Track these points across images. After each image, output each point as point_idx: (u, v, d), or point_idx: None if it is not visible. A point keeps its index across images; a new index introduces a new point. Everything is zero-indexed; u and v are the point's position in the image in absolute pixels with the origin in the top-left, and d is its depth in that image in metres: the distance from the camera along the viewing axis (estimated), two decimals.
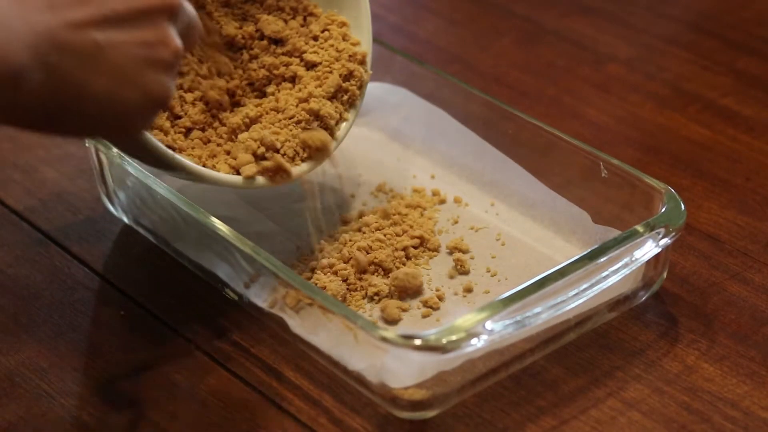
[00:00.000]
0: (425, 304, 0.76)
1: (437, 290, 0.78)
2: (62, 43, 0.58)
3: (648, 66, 1.06)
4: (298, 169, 0.77)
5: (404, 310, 0.76)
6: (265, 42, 0.81)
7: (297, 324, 0.72)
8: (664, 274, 0.78)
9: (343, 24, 0.82)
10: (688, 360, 0.74)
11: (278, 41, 0.82)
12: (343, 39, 0.81)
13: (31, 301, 0.78)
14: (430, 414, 0.69)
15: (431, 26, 1.14)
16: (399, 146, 0.92)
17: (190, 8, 0.65)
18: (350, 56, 0.80)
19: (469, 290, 0.78)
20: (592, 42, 1.10)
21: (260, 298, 0.74)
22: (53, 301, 0.78)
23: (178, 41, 0.63)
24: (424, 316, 0.76)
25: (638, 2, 1.16)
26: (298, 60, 0.81)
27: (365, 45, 0.82)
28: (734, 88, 1.02)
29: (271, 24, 0.81)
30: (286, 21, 0.82)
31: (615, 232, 0.77)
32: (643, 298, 0.77)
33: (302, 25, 0.82)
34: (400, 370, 0.68)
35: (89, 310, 0.77)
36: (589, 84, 1.03)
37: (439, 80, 0.90)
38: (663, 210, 0.75)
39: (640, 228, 0.74)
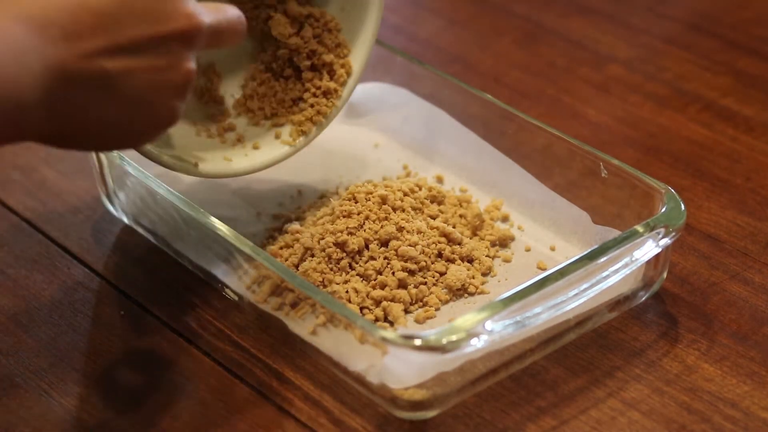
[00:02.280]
0: (425, 304, 0.76)
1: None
2: (73, 75, 0.58)
3: (648, 66, 1.06)
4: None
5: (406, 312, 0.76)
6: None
7: (297, 324, 0.72)
8: (664, 274, 0.78)
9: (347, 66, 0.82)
10: (688, 360, 0.74)
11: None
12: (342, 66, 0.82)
13: (31, 301, 0.78)
14: (430, 414, 0.69)
15: (431, 26, 1.14)
16: (399, 146, 0.92)
17: (223, 13, 0.64)
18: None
19: (469, 290, 0.78)
20: (592, 42, 1.10)
21: (260, 298, 0.74)
22: (53, 301, 0.78)
23: (190, 65, 0.62)
24: (425, 317, 0.76)
25: (638, 2, 1.16)
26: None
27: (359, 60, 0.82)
28: (734, 88, 1.02)
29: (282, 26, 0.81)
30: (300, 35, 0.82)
31: (615, 232, 0.77)
32: (643, 298, 0.77)
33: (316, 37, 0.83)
34: (400, 371, 0.68)
35: (89, 310, 0.77)
36: (589, 84, 1.03)
37: (439, 80, 0.90)
38: (663, 210, 0.75)
39: (640, 228, 0.74)
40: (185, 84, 0.62)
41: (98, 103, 0.59)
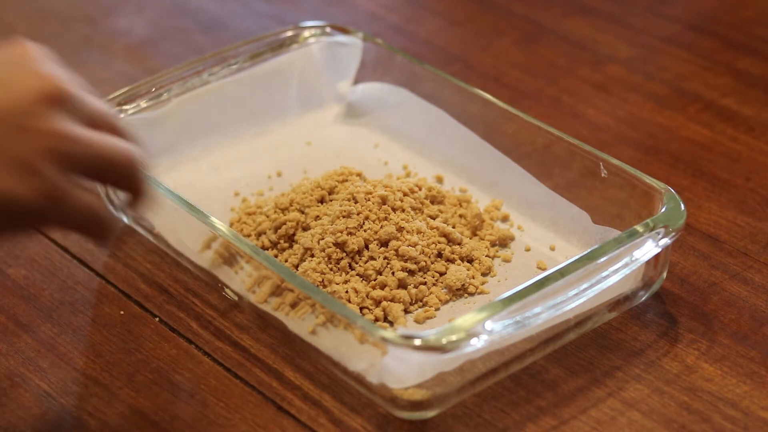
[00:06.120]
0: (425, 304, 0.76)
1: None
2: None
3: (648, 66, 1.06)
4: None
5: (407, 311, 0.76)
6: None
7: (297, 324, 0.72)
8: (664, 274, 0.78)
9: None
10: (688, 360, 0.74)
11: None
12: None
13: (31, 301, 0.78)
14: (430, 414, 0.69)
15: (431, 26, 1.14)
16: (399, 146, 0.92)
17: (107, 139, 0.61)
18: None
19: (468, 290, 0.78)
20: (592, 42, 1.10)
21: (260, 298, 0.74)
22: (53, 301, 0.78)
23: (54, 123, 0.58)
24: (425, 317, 0.76)
25: (638, 2, 1.16)
26: None
27: None
28: (734, 88, 1.02)
29: None
30: None
31: (615, 232, 0.77)
32: (643, 298, 0.77)
33: None
34: (400, 371, 0.68)
35: (89, 310, 0.77)
36: (589, 84, 1.03)
37: (439, 80, 0.90)
38: (663, 210, 0.75)
39: (640, 228, 0.74)
40: (54, 144, 0.58)
41: None
